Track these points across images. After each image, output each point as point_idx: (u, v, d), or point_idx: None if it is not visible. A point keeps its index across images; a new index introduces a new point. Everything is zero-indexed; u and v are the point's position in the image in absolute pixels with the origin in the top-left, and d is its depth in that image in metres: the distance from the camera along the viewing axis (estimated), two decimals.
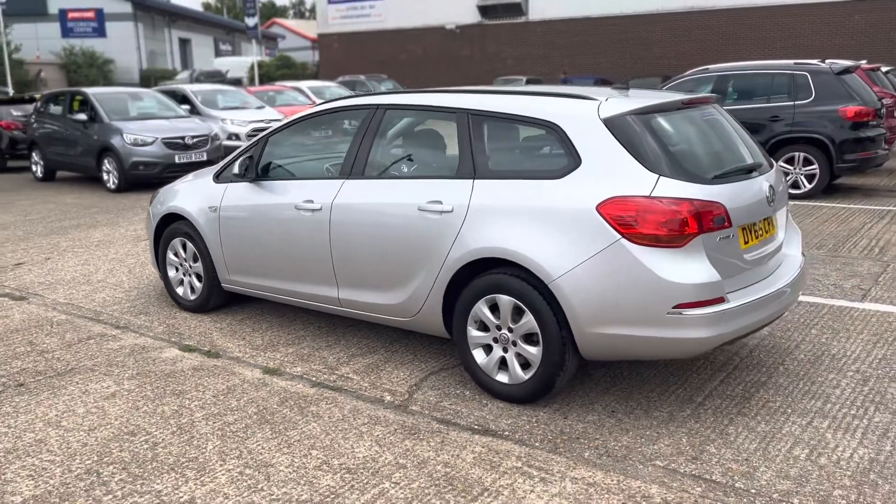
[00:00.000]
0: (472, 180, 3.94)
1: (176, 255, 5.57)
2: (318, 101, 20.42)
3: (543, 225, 3.63)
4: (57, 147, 13.26)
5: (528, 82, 28.28)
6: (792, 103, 9.96)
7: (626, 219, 3.43)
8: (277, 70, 41.83)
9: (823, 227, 8.04)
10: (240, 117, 15.20)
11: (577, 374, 4.20)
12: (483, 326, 3.93)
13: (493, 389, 3.94)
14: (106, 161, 12.13)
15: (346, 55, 34.74)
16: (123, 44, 51.50)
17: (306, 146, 5.10)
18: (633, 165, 3.53)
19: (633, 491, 3.04)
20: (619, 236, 3.44)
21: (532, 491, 3.05)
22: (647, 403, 3.86)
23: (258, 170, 4.94)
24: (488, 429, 3.62)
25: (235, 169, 4.97)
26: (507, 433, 3.57)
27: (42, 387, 4.21)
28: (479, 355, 3.96)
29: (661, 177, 3.49)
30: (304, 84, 22.03)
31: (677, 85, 10.96)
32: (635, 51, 29.17)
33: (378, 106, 4.49)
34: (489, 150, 3.98)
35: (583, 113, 3.71)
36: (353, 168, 4.45)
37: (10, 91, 33.02)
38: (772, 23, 26.89)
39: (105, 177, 12.24)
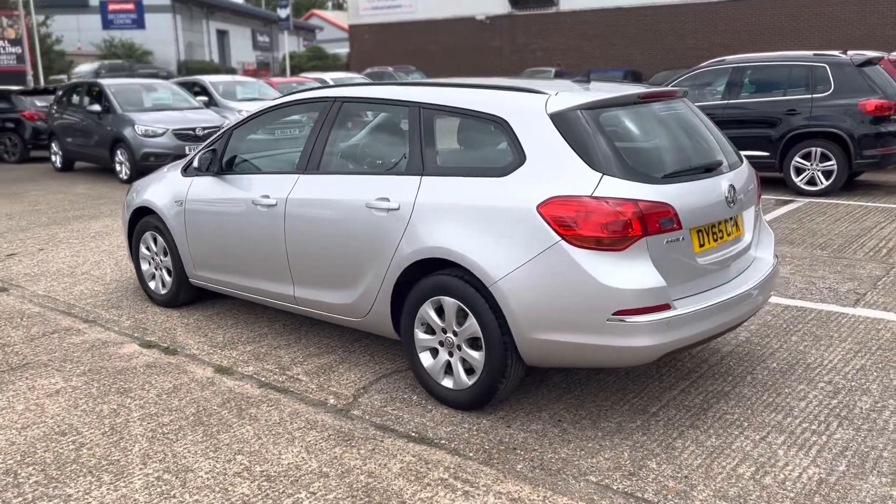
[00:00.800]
0: (419, 177, 3.79)
1: (148, 248, 5.53)
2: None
3: (486, 225, 3.47)
4: (74, 137, 13.41)
5: (557, 75, 27.94)
6: (810, 96, 9.58)
7: (565, 220, 3.25)
8: (309, 61, 41.99)
9: (834, 226, 7.71)
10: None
11: (532, 380, 4.03)
12: (430, 329, 3.79)
13: (438, 395, 3.80)
14: (118, 152, 12.23)
15: (376, 46, 34.69)
16: (162, 35, 52.26)
17: (270, 139, 5.00)
18: (577, 163, 3.34)
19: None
20: (558, 238, 3.26)
21: None
22: (598, 413, 3.68)
23: (221, 163, 4.85)
24: (425, 437, 3.48)
25: (195, 162, 4.89)
26: (443, 442, 3.43)
27: None
28: (425, 359, 3.83)
29: (605, 176, 3.30)
30: (329, 76, 22.03)
31: (692, 77, 10.63)
32: (668, 41, 28.58)
33: (335, 99, 4.36)
34: (438, 145, 3.83)
35: (529, 107, 3.53)
36: (309, 163, 4.33)
37: (38, 83, 33.66)
38: (810, 12, 26.08)
39: (118, 167, 12.34)
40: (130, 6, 51.69)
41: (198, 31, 56.93)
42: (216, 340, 4.79)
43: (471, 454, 3.31)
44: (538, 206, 3.31)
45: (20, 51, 42.63)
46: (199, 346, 4.69)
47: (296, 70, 37.40)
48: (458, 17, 32.58)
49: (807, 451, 3.27)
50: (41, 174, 13.87)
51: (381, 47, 34.45)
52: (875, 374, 4.05)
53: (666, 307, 3.26)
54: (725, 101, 10.13)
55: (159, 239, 5.36)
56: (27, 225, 8.87)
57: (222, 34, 60.83)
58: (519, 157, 3.48)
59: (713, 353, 4.40)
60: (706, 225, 3.52)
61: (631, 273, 3.22)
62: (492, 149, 3.67)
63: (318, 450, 3.36)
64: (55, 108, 14.19)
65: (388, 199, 3.83)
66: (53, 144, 14.14)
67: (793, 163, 9.67)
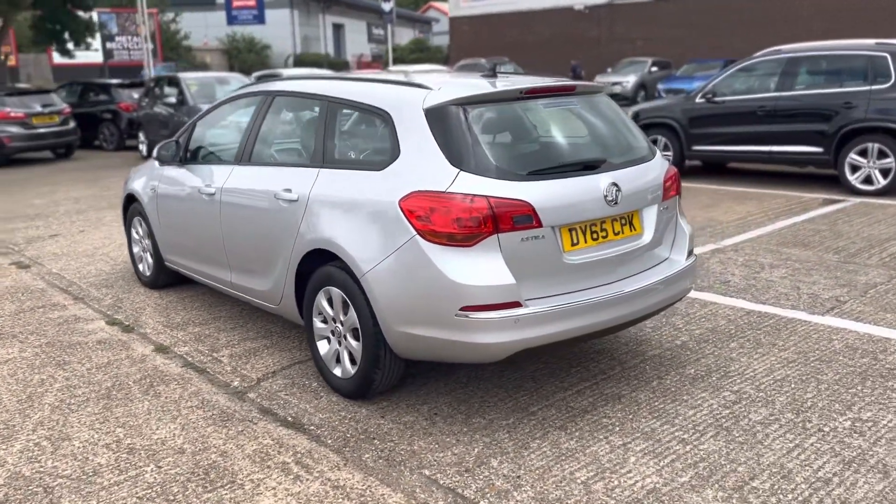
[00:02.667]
0: (318, 169, 3.90)
1: (137, 233, 5.92)
2: None
3: (360, 218, 3.54)
4: (156, 127, 14.33)
5: (654, 65, 27.09)
6: (868, 88, 8.91)
7: (421, 215, 3.28)
8: (411, 54, 42.62)
9: (867, 229, 7.17)
10: None
11: (437, 373, 4.06)
12: (325, 318, 3.90)
13: (330, 382, 3.91)
14: None
15: (475, 38, 34.79)
16: (280, 30, 54.48)
17: (227, 132, 5.22)
18: (439, 158, 3.35)
19: (374, 498, 2.93)
20: (414, 233, 3.29)
21: (275, 488, 3.02)
22: (479, 408, 3.67)
23: (185, 154, 5.14)
24: (298, 422, 3.60)
25: (154, 153, 5.20)
26: (311, 428, 3.53)
27: None
28: (322, 347, 3.94)
29: (462, 171, 3.29)
30: (411, 69, 22.32)
31: (746, 67, 10.11)
32: (777, 28, 27.03)
33: (269, 93, 4.53)
34: (337, 138, 3.92)
35: (409, 101, 3.56)
36: (243, 155, 4.53)
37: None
38: None
39: None
40: (252, 2, 54.21)
41: (314, 25, 58.87)
42: (173, 321, 5.09)
43: (329, 441, 3.40)
44: (399, 201, 3.35)
45: (152, 46, 45.71)
46: (154, 326, 5.00)
47: (398, 62, 38.10)
48: (556, 7, 32.15)
49: (659, 460, 3.15)
50: (128, 162, 14.90)
51: (480, 39, 34.51)
52: (792, 386, 3.81)
53: (515, 305, 3.22)
54: (778, 94, 9.58)
55: (143, 224, 5.73)
56: (86, 208, 9.62)
57: (338, 28, 62.64)
58: (395, 151, 3.52)
59: (635, 355, 4.27)
60: (580, 223, 3.44)
61: (478, 269, 3.20)
62: (378, 142, 3.72)
63: (193, 428, 3.55)
64: (143, 100, 15.21)
65: (290, 191, 3.97)
66: (140, 134, 15.16)
67: (848, 159, 9.04)
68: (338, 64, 50.64)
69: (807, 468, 3.05)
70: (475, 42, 34.57)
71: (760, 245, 6.65)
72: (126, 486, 3.06)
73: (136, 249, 6.00)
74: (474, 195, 3.22)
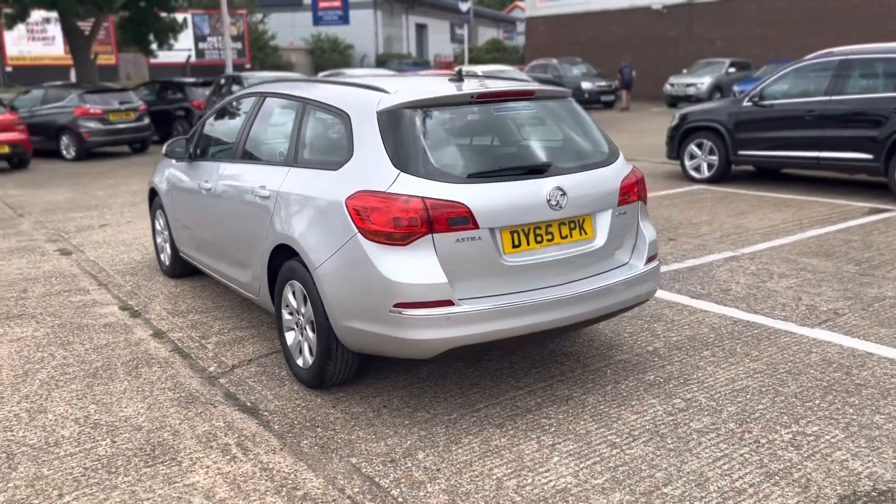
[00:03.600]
0: (289, 168, 4.09)
1: (159, 224, 6.28)
2: None
3: (316, 215, 3.70)
4: None
5: (733, 66, 26.30)
6: None
7: (362, 214, 3.41)
8: (487, 53, 42.69)
9: None
10: None
11: (400, 368, 4.18)
12: (292, 310, 4.08)
13: (294, 372, 4.09)
14: None
15: (550, 38, 34.58)
16: (363, 30, 55.55)
17: (228, 130, 5.48)
18: (384, 160, 3.48)
19: (296, 482, 3.08)
20: (356, 231, 3.43)
21: (209, 467, 3.21)
22: (428, 402, 3.78)
23: (193, 150, 5.43)
24: (254, 408, 3.79)
25: (166, 148, 5.52)
26: (264, 414, 3.72)
27: None
28: (289, 337, 4.13)
29: (403, 173, 3.41)
30: (480, 69, 22.43)
31: (798, 70, 9.78)
32: (865, 27, 25.78)
33: (261, 94, 4.76)
34: (307, 138, 4.10)
35: (365, 104, 3.70)
36: (235, 152, 4.77)
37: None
38: None
39: None
40: (337, 3, 55.44)
41: (397, 25, 59.70)
42: (178, 309, 5.40)
43: (275, 427, 3.58)
44: (346, 199, 3.50)
45: (241, 46, 47.44)
46: (159, 312, 5.31)
47: (473, 62, 38.25)
48: (633, 6, 31.60)
49: (581, 461, 3.18)
50: None
51: (555, 39, 34.28)
52: (747, 396, 3.75)
53: (447, 303, 3.32)
54: (828, 98, 9.23)
55: (163, 216, 6.08)
56: (139, 201, 10.17)
57: (421, 28, 63.32)
58: (350, 152, 3.67)
59: (601, 359, 4.28)
60: (522, 226, 3.49)
61: (412, 268, 3.31)
62: (337, 143, 3.87)
63: (158, 408, 3.80)
64: (212, 97, 15.90)
65: (265, 188, 4.17)
66: None
67: None
68: (419, 64, 51.18)
69: (725, 478, 3.03)
70: (550, 42, 34.36)
71: (779, 254, 6.47)
72: (79, 457, 3.31)
73: (158, 240, 6.36)
74: (411, 196, 3.33)
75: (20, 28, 38.61)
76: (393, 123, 3.54)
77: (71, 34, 21.04)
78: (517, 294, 3.49)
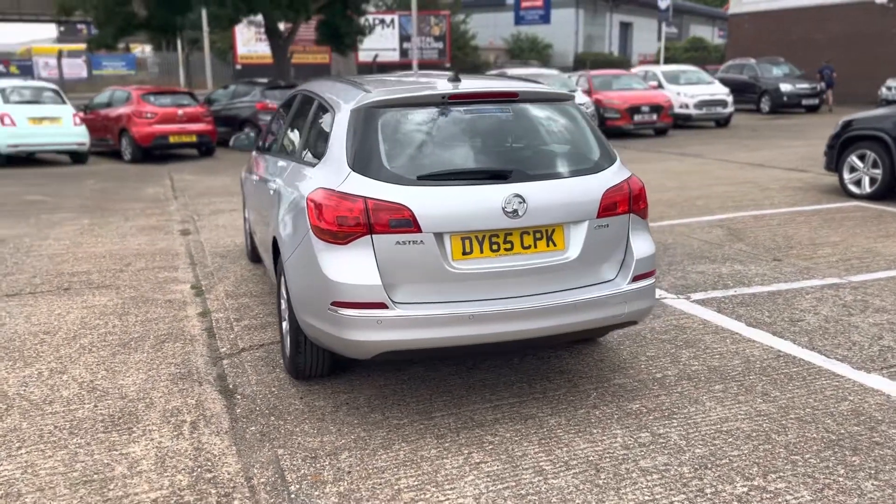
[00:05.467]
0: (292, 163, 4.23)
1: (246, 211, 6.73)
2: (667, 84, 19.95)
3: (291, 210, 3.81)
4: None
5: (819, 73, 23.44)
6: None
7: (316, 210, 3.45)
8: (686, 52, 40.66)
9: None
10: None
11: (385, 367, 4.17)
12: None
13: (283, 361, 4.22)
14: None
15: (755, 36, 32.22)
16: (563, 29, 55.20)
17: (279, 125, 5.71)
18: (343, 158, 3.49)
19: (213, 466, 3.19)
20: (309, 227, 3.48)
21: (151, 440, 3.42)
22: (390, 405, 3.74)
23: (262, 143, 5.76)
24: (233, 391, 3.96)
25: (231, 142, 5.88)
26: (238, 397, 3.88)
27: (75, 292, 5.73)
28: (284, 327, 4.27)
29: (354, 172, 3.41)
30: (659, 69, 21.52)
31: None
32: None
33: (299, 91, 4.94)
34: (311, 134, 4.21)
35: (346, 101, 3.73)
36: (275, 146, 5.01)
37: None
38: None
39: None
40: (539, 2, 55.59)
41: (599, 24, 58.63)
42: (237, 291, 5.75)
43: (237, 411, 3.73)
44: (308, 196, 3.56)
45: (441, 46, 49.07)
46: (218, 293, 5.70)
47: (669, 61, 36.64)
48: (853, 1, 28.61)
49: (494, 484, 3.01)
50: None
51: (760, 37, 31.89)
52: (729, 440, 3.33)
53: (380, 306, 3.27)
54: None
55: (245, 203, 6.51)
56: None
57: (626, 26, 61.70)
58: (326, 148, 3.72)
59: (597, 380, 3.98)
60: (474, 232, 3.35)
61: (349, 267, 3.30)
62: (323, 139, 3.92)
63: (153, 381, 4.09)
64: None
65: (275, 182, 4.35)
66: None
67: None
68: (621, 62, 49.93)
69: None
70: (755, 40, 32.02)
71: (893, 288, 5.62)
72: (58, 416, 3.67)
73: (246, 226, 6.81)
74: (356, 195, 3.32)
75: (249, 30, 42.83)
76: (359, 122, 3.55)
77: (272, 35, 22.92)
78: (466, 303, 3.35)
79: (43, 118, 14.04)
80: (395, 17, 49.23)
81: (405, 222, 3.27)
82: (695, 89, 20.29)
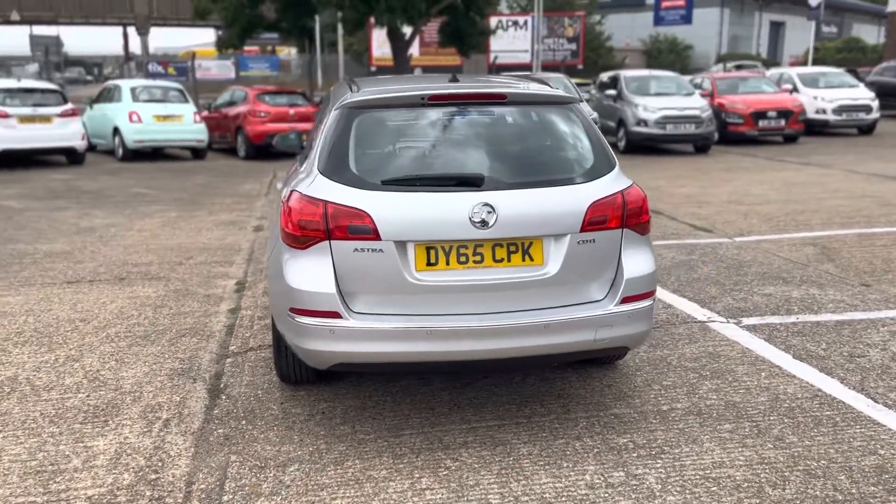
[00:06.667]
0: (296, 164, 4.18)
1: None
2: (803, 88, 18.65)
3: (276, 211, 3.74)
4: None
5: None
6: None
7: (285, 213, 3.36)
8: (838, 53, 37.74)
9: None
10: (653, 104, 15.24)
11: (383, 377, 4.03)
12: None
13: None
14: None
15: None
16: (705, 30, 52.90)
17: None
18: (317, 159, 3.38)
19: (162, 467, 3.16)
20: (279, 230, 3.39)
21: (118, 434, 3.44)
22: (365, 418, 3.58)
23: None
24: (221, 391, 3.93)
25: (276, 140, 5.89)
26: (222, 398, 3.85)
27: (128, 282, 5.95)
28: None
29: (320, 175, 3.29)
30: (795, 71, 20.06)
31: None
32: None
33: (327, 93, 4.88)
34: (311, 136, 4.12)
35: (335, 103, 3.61)
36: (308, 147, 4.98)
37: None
38: None
39: None
40: (681, 2, 53.45)
41: (747, 23, 55.71)
42: None
43: (215, 412, 3.70)
44: (284, 199, 3.47)
45: (574, 47, 48.26)
46: (257, 291, 5.73)
47: (818, 62, 34.14)
48: None
49: (426, 491, 2.79)
50: None
51: None
52: (710, 489, 2.93)
53: (334, 315, 3.12)
54: None
55: None
56: None
57: (777, 26, 58.32)
58: (312, 150, 3.62)
59: (595, 407, 3.65)
60: (440, 242, 3.13)
61: (305, 274, 3.18)
62: (313, 141, 3.82)
63: (152, 375, 4.15)
64: None
65: (285, 186, 4.30)
66: None
67: None
68: (769, 65, 47.13)
69: None
70: None
71: None
72: (50, 403, 3.78)
73: None
74: (318, 199, 3.20)
75: (383, 33, 43.95)
76: (336, 123, 3.42)
77: (393, 37, 23.32)
78: (427, 317, 3.15)
79: (167, 116, 14.93)
80: (529, 19, 48.88)
81: (364, 229, 3.11)
82: (834, 93, 18.71)
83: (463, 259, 3.16)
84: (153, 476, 3.09)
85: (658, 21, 53.37)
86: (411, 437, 3.41)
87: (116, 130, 14.86)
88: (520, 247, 3.19)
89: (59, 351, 4.50)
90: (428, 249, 3.14)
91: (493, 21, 45.00)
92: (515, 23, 48.04)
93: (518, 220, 3.15)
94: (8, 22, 48.50)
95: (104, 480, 3.06)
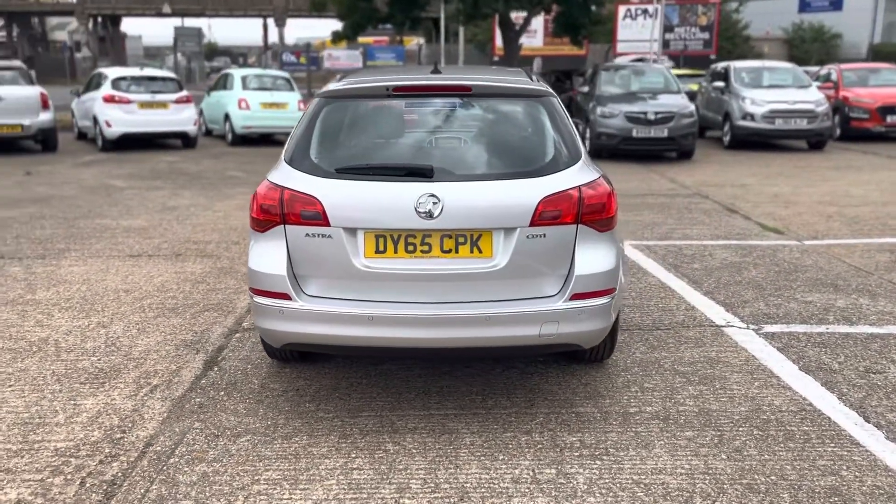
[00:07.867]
0: None
1: None
2: None
3: None
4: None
5: None
6: None
7: (252, 198, 3.53)
8: None
9: None
10: (762, 97, 14.43)
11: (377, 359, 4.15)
12: None
13: None
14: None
15: None
16: (857, 17, 49.32)
17: None
18: (288, 147, 3.52)
19: (132, 427, 3.42)
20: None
21: (109, 397, 3.73)
22: (335, 399, 3.70)
23: None
24: (217, 363, 4.19)
25: None
26: (214, 369, 4.08)
27: (182, 259, 6.37)
28: None
29: (284, 162, 3.43)
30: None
31: None
32: None
33: None
34: None
35: (318, 92, 3.74)
36: None
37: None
38: None
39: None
40: None
41: None
42: None
43: (203, 382, 3.94)
44: (260, 185, 3.64)
45: (707, 36, 46.27)
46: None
47: None
48: None
49: (348, 489, 2.88)
50: None
51: None
52: (648, 494, 2.84)
53: (284, 297, 3.25)
54: None
55: None
56: None
57: None
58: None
59: (560, 404, 3.61)
60: (389, 231, 3.18)
61: (263, 256, 3.34)
62: None
63: (163, 345, 4.45)
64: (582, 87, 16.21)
65: None
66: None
67: None
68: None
69: None
70: None
71: None
72: (62, 363, 4.15)
73: None
74: (277, 185, 3.34)
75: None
76: (310, 113, 3.55)
77: (504, 27, 23.28)
78: (372, 303, 3.22)
79: (273, 103, 15.67)
80: (658, 7, 47.30)
81: (315, 215, 3.22)
82: None
83: (411, 248, 3.21)
84: (119, 435, 3.35)
85: (803, 8, 50.18)
86: (367, 419, 3.50)
87: (227, 116, 15.75)
88: (468, 239, 3.20)
89: (93, 317, 4.91)
90: (377, 237, 3.21)
91: (622, 10, 43.82)
92: (645, 11, 46.57)
93: (465, 213, 3.16)
94: (160, 14, 52.13)
95: (77, 436, 3.35)
